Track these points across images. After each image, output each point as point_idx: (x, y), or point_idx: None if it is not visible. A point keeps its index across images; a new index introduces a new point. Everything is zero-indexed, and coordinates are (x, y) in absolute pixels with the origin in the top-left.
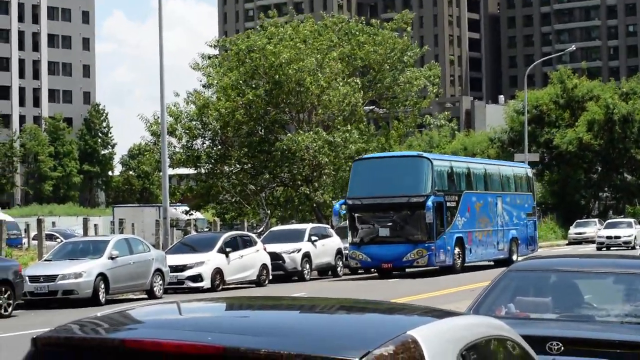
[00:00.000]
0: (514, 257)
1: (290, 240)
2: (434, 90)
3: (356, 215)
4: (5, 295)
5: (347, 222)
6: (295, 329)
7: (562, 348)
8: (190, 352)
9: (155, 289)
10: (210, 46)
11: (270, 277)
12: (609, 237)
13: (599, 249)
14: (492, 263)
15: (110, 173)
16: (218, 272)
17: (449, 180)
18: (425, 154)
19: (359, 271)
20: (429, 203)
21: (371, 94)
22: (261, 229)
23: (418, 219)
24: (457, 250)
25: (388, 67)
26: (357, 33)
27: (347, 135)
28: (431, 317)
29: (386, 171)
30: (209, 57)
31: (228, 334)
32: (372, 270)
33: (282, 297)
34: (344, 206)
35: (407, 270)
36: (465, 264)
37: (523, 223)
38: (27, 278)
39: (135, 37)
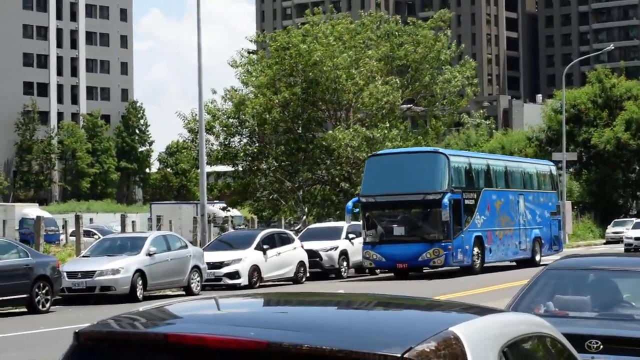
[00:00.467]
0: (537, 258)
1: (328, 238)
2: (472, 90)
3: (370, 213)
4: (43, 291)
5: (361, 220)
6: (336, 325)
7: (601, 346)
8: (233, 347)
9: (192, 285)
10: (251, 41)
11: (308, 274)
12: (637, 239)
13: (627, 250)
14: (514, 263)
15: (147, 170)
16: (255, 269)
17: (467, 177)
18: (441, 150)
19: None
20: (445, 200)
21: (409, 92)
22: (298, 226)
23: (434, 217)
24: (476, 250)
25: (428, 65)
26: (396, 34)
27: (386, 131)
28: (472, 314)
29: (401, 168)
30: (249, 53)
31: (270, 329)
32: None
33: (320, 293)
34: (357, 204)
35: (425, 270)
36: (485, 264)
37: (547, 222)
38: (64, 274)
39: (172, 34)
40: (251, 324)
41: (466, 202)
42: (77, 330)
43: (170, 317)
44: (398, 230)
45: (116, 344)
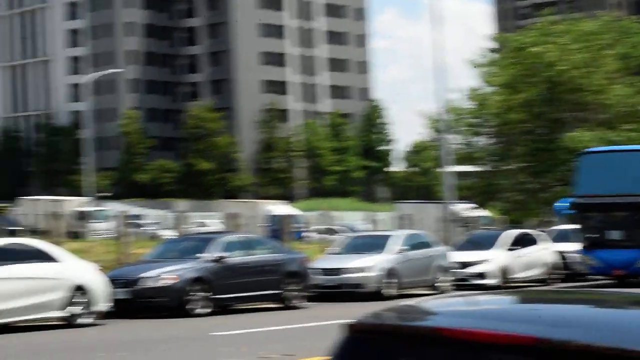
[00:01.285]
0: None
1: (576, 240)
2: None
3: (584, 215)
4: (293, 287)
5: (576, 223)
6: (605, 323)
7: None
8: (503, 342)
9: (439, 284)
10: (492, 39)
11: (557, 276)
12: None
13: None
14: None
15: (390, 169)
16: (503, 270)
17: None
18: None
19: None
20: None
21: None
22: (549, 228)
23: None
24: None
25: None
26: (632, 35)
27: (631, 134)
28: None
29: (619, 166)
30: (491, 51)
31: (534, 325)
32: None
33: (577, 291)
34: (572, 205)
35: None
36: None
37: None
38: (314, 271)
39: (408, 34)
40: (514, 320)
41: None
42: (349, 322)
43: (433, 313)
44: (614, 234)
45: (387, 335)
